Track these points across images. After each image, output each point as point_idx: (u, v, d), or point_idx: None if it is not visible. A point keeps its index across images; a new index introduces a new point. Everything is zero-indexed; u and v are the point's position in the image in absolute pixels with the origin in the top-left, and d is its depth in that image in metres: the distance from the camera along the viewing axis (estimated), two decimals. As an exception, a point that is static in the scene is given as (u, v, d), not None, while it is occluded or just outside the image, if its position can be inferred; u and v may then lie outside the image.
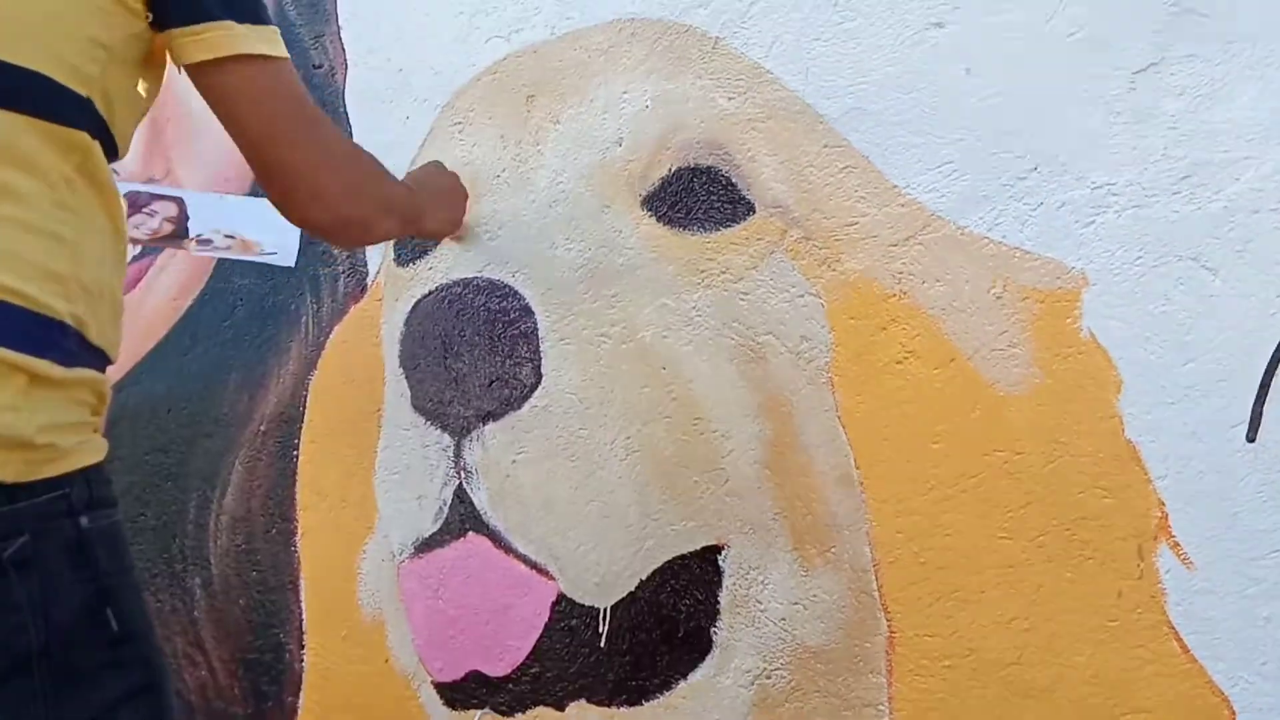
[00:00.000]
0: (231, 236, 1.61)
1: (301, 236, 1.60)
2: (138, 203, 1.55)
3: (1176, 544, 1.07)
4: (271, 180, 1.00)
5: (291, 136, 0.98)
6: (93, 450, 0.90)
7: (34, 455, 0.83)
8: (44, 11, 0.86)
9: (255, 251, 1.62)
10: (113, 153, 0.93)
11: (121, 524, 0.93)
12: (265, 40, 0.96)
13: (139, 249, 1.75)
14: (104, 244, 0.91)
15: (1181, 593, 1.07)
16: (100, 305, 0.90)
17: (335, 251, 1.61)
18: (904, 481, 1.20)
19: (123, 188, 1.38)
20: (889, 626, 1.20)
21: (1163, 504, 1.08)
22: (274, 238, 1.60)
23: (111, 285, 0.92)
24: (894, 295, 1.21)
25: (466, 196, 1.42)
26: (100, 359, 0.91)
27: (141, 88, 0.95)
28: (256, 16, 0.96)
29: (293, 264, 1.62)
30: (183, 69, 0.95)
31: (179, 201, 1.61)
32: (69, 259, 0.86)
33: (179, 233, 1.60)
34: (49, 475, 0.84)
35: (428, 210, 1.26)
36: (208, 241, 1.61)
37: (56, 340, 0.85)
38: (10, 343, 0.82)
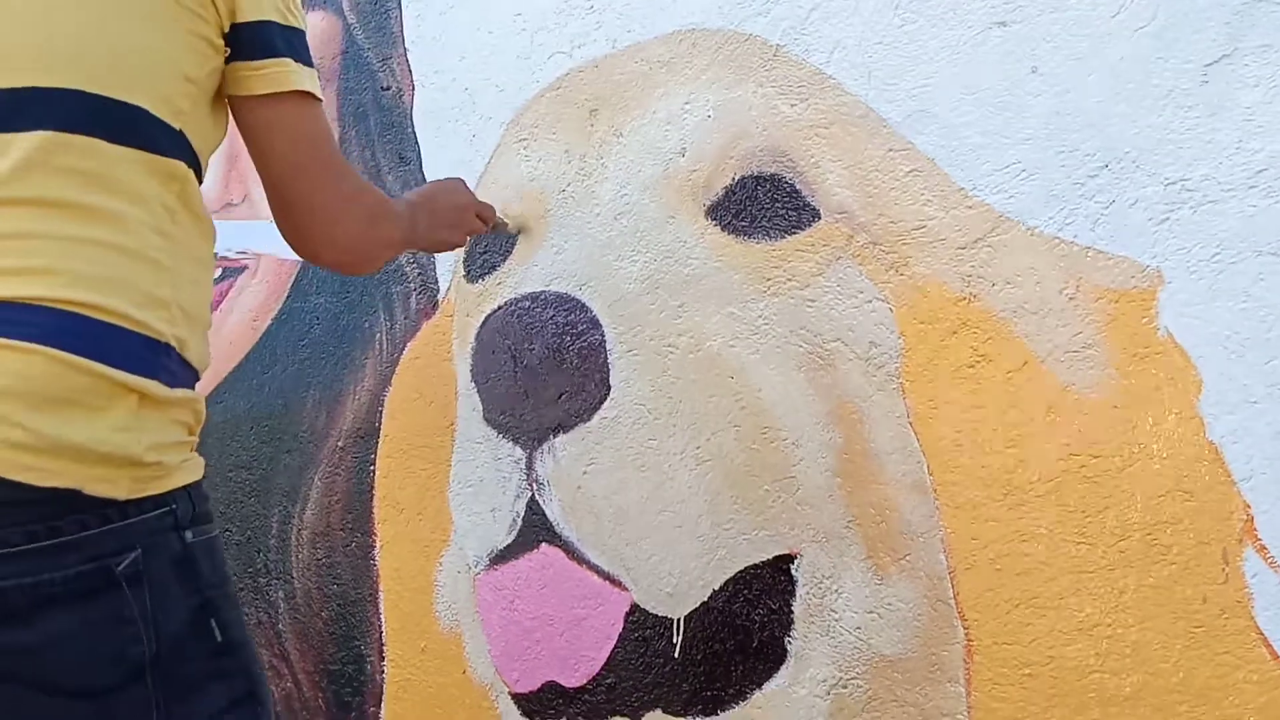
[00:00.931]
0: (244, 253, 1.70)
1: None
2: None
3: (1263, 547, 1.04)
4: (290, 215, 1.04)
5: (319, 177, 1.03)
6: (194, 468, 0.94)
7: (143, 473, 0.87)
8: (145, 49, 0.91)
9: None
10: (201, 179, 0.98)
11: (220, 539, 0.97)
12: (313, 81, 1.02)
13: (219, 271, 1.81)
14: (198, 269, 0.96)
15: (1269, 597, 1.04)
16: (196, 327, 0.94)
17: (407, 270, 1.64)
18: (979, 487, 1.18)
19: None
20: (966, 634, 1.19)
21: (1248, 507, 1.05)
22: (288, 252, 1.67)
23: (204, 307, 0.97)
24: (964, 299, 1.20)
25: (471, 209, 1.37)
26: (195, 378, 0.96)
27: (216, 119, 1.00)
28: (309, 58, 1.02)
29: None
30: (229, 99, 1.00)
31: None
32: (170, 284, 0.91)
33: None
34: (156, 492, 0.88)
35: (422, 234, 1.27)
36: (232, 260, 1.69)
37: (163, 362, 0.90)
38: (124, 364, 0.86)
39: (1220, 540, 1.06)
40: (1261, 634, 1.04)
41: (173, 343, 0.90)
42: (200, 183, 0.98)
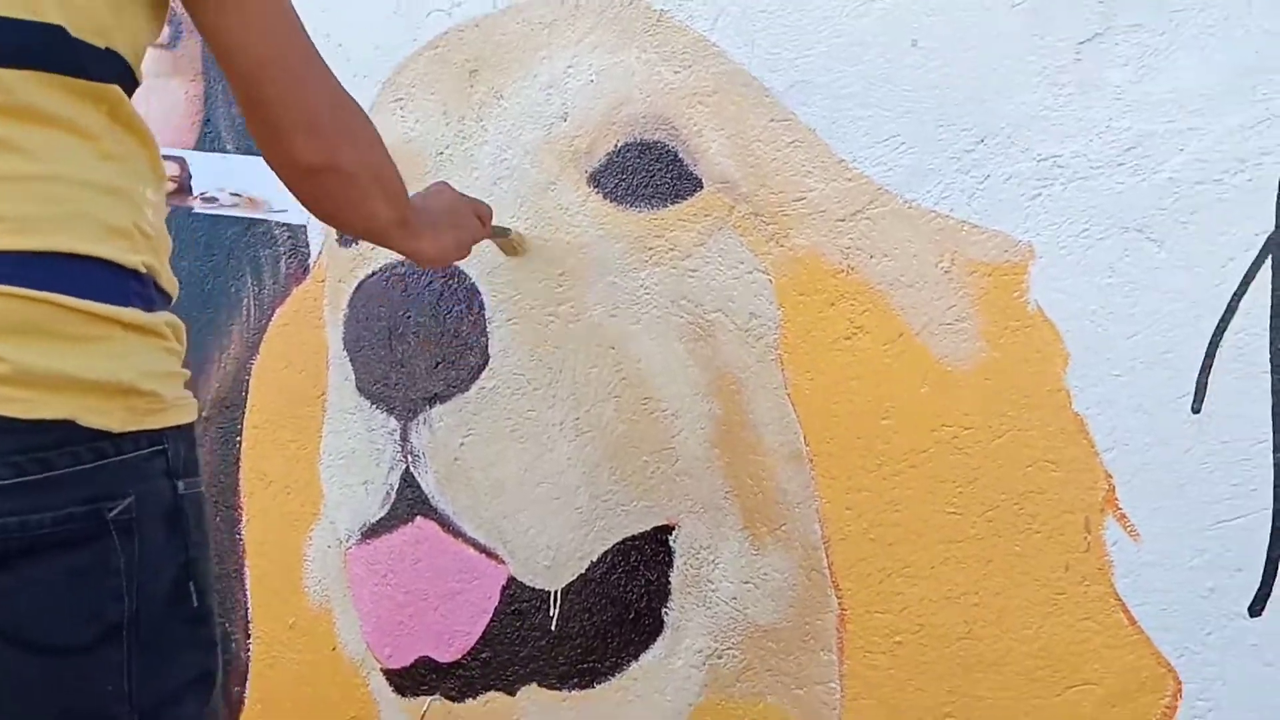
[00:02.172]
0: (238, 195, 1.57)
1: None
2: None
3: (1123, 516, 1.07)
4: (264, 110, 0.92)
5: (292, 65, 0.91)
6: (188, 408, 0.87)
7: (138, 403, 0.81)
8: None
9: (263, 209, 1.57)
10: (134, 89, 0.89)
11: (206, 495, 0.90)
12: None
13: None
14: (151, 188, 0.87)
15: (1128, 565, 1.07)
16: (161, 250, 0.87)
17: (276, 232, 1.58)
18: (853, 458, 1.19)
19: None
20: (840, 603, 1.20)
21: (1110, 477, 1.08)
22: (283, 195, 1.54)
23: (162, 228, 0.89)
24: (842, 270, 1.20)
25: (467, 208, 1.22)
26: (169, 304, 0.89)
27: (151, 13, 0.90)
28: None
29: (305, 221, 1.55)
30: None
31: (181, 161, 1.57)
32: (127, 210, 0.83)
33: (182, 189, 1.56)
34: (150, 428, 0.82)
35: (421, 226, 1.11)
36: (213, 200, 1.57)
37: (134, 288, 0.83)
38: (95, 295, 0.79)
39: (1083, 509, 1.09)
40: (1120, 600, 1.07)
41: (141, 269, 0.83)
42: (136, 86, 0.89)
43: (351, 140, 0.97)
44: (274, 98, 0.92)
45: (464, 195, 1.24)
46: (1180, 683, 1.05)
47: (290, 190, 1.00)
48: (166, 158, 1.44)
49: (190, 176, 1.57)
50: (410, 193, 1.10)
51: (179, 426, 0.85)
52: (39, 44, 0.80)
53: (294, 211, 1.55)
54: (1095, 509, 1.08)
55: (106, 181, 0.83)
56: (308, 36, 0.94)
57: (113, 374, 0.80)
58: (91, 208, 0.81)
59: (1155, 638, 1.06)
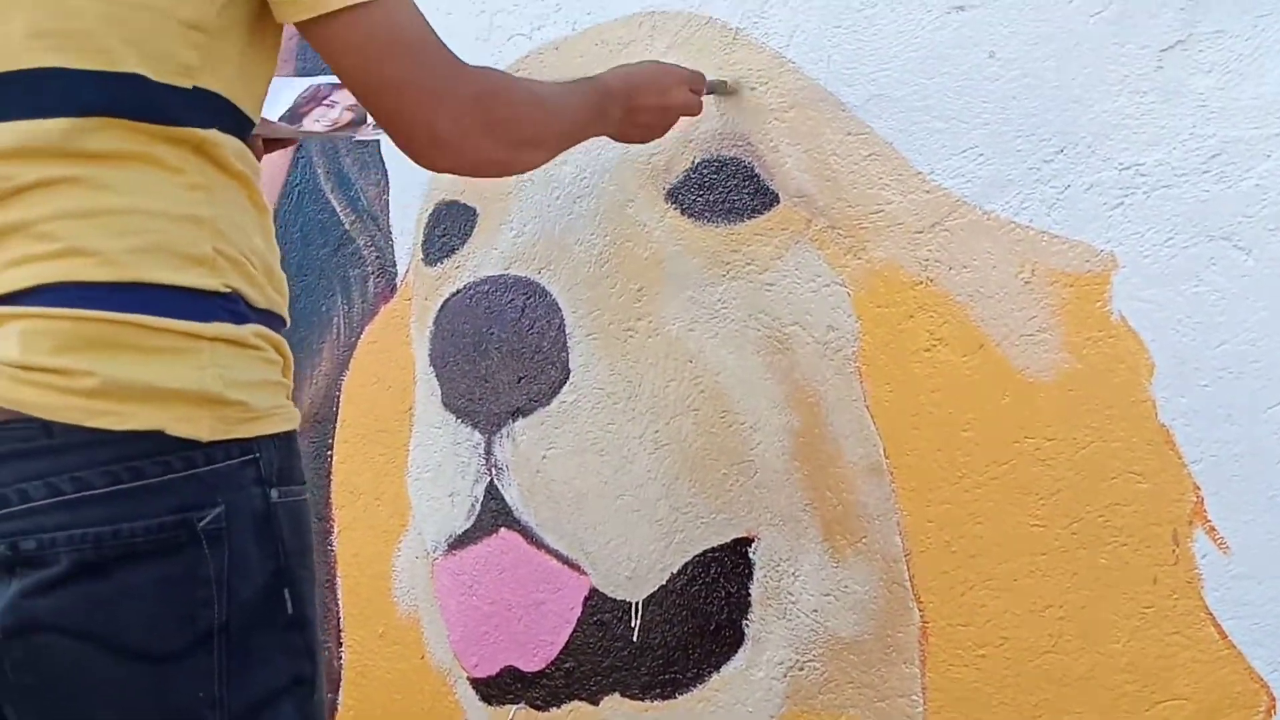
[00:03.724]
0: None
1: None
2: (319, 96, 1.51)
3: (1212, 528, 1.05)
4: (393, 131, 0.93)
5: (397, 81, 0.89)
6: (285, 418, 0.88)
7: (227, 412, 0.82)
8: (130, 4, 0.82)
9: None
10: (243, 123, 0.90)
11: (308, 504, 0.91)
12: None
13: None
14: (245, 217, 0.88)
15: (1218, 578, 1.05)
16: (254, 273, 0.88)
17: (365, 253, 1.63)
18: (934, 470, 1.19)
19: (303, 82, 1.33)
20: (921, 616, 1.20)
21: (1198, 488, 1.06)
22: None
23: (258, 254, 0.89)
24: (921, 282, 1.20)
25: (680, 89, 1.22)
26: (274, 321, 0.90)
27: (255, 54, 0.90)
28: None
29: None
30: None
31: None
32: (210, 239, 0.84)
33: (357, 119, 1.59)
34: (242, 436, 0.83)
35: (611, 125, 1.14)
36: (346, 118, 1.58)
37: (220, 304, 0.84)
38: (177, 315, 0.82)
39: (1171, 521, 1.07)
40: (1210, 614, 1.05)
41: (224, 289, 0.84)
42: (251, 121, 0.90)
43: (477, 136, 0.95)
44: (395, 116, 0.92)
45: (681, 70, 1.23)
46: (1274, 698, 1.03)
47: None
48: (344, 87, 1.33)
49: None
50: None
51: (274, 435, 0.86)
52: (120, 95, 0.82)
53: None
54: (1183, 521, 1.07)
55: (186, 211, 0.84)
56: (417, 42, 0.91)
57: (198, 383, 0.81)
58: (170, 239, 0.83)
59: (1247, 653, 1.04)
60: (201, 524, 0.81)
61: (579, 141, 1.15)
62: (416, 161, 0.97)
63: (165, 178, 0.84)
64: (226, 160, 0.88)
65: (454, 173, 1.06)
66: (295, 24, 0.88)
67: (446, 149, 0.94)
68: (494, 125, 0.97)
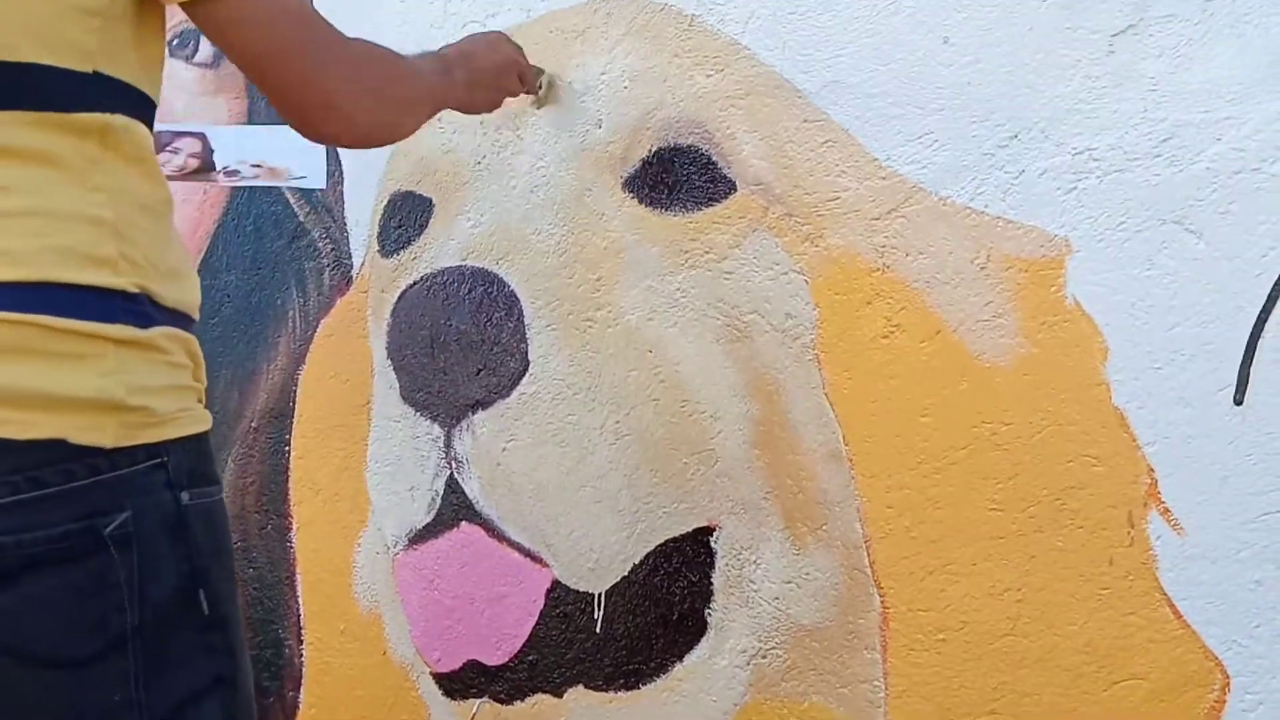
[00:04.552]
0: (259, 165, 1.58)
1: (328, 154, 1.58)
2: (161, 141, 1.52)
3: (1166, 510, 1.07)
4: (284, 100, 0.94)
5: (293, 50, 0.92)
6: (194, 420, 0.87)
7: (130, 418, 0.82)
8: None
9: (284, 177, 1.59)
10: (145, 106, 0.89)
11: (223, 504, 0.90)
12: None
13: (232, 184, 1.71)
14: (147, 216, 0.87)
15: (1173, 559, 1.06)
16: (160, 274, 0.87)
17: (320, 245, 1.61)
18: (893, 456, 1.19)
19: None
20: (882, 602, 1.20)
21: (1152, 470, 1.07)
22: (300, 161, 1.57)
23: (165, 254, 0.88)
24: (878, 269, 1.20)
25: (514, 67, 1.27)
26: (183, 320, 0.89)
27: (146, 34, 0.90)
28: None
29: (324, 185, 1.58)
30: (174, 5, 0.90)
31: (202, 137, 1.59)
32: (113, 239, 0.83)
33: (205, 166, 1.58)
34: (148, 441, 0.83)
35: (458, 93, 1.17)
36: (235, 173, 1.58)
37: (123, 306, 0.83)
38: (81, 315, 0.80)
39: (1126, 504, 1.08)
40: (1165, 595, 1.07)
41: (130, 289, 0.84)
42: (152, 103, 0.90)
43: (371, 102, 0.98)
44: (286, 84, 0.93)
45: (516, 50, 1.27)
46: (1229, 676, 1.04)
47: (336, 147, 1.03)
48: (188, 134, 1.44)
49: (213, 152, 1.59)
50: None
51: (182, 439, 0.85)
52: (19, 85, 0.81)
53: (312, 176, 1.58)
54: (1138, 503, 1.08)
55: (88, 213, 0.83)
56: (304, 16, 0.94)
57: (100, 390, 0.80)
58: (73, 240, 0.82)
59: (1202, 632, 1.05)
60: (108, 530, 0.80)
61: (438, 110, 1.16)
62: (306, 130, 0.97)
63: (66, 179, 0.82)
64: (129, 148, 0.87)
65: (340, 141, 1.07)
66: (180, 4, 0.88)
67: (338, 113, 0.95)
68: (380, 88, 0.99)
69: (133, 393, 0.82)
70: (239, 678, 0.89)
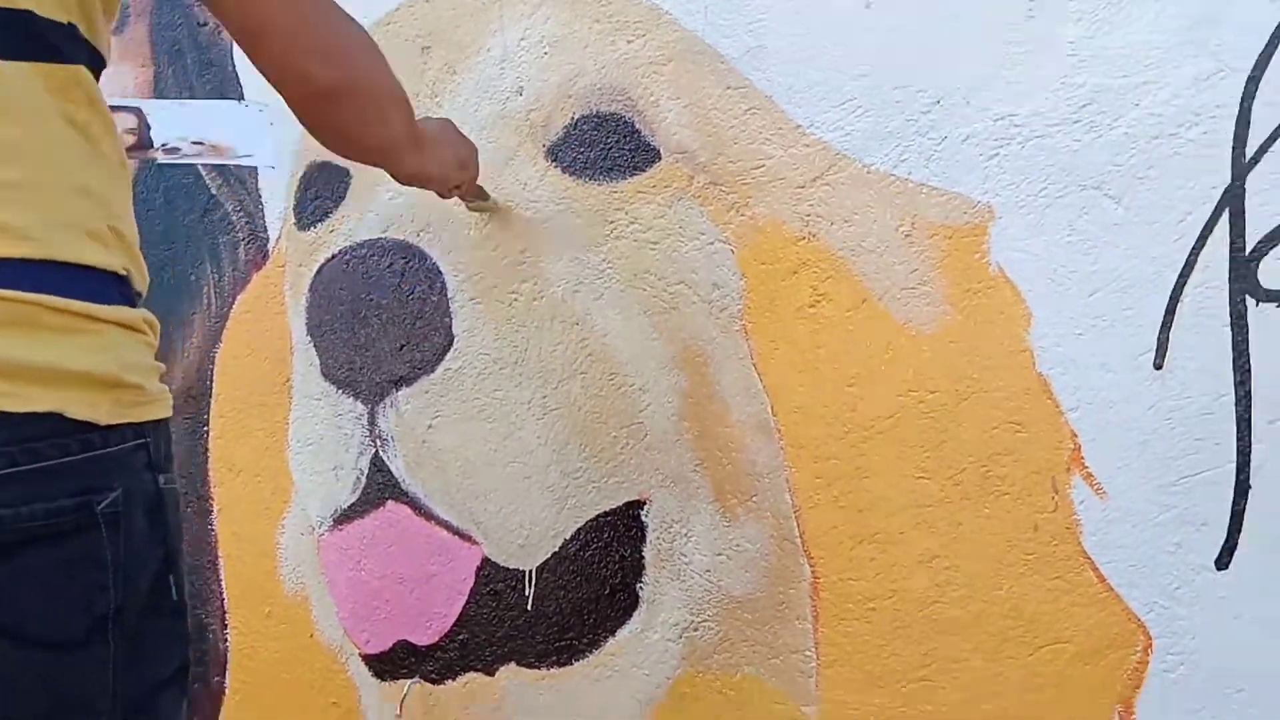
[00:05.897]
0: (200, 143, 1.52)
1: (272, 136, 1.50)
2: None
3: (1090, 475, 1.08)
4: (274, 41, 0.92)
5: (285, 26, 0.92)
6: (166, 402, 0.87)
7: (124, 395, 0.81)
8: None
9: (228, 155, 1.52)
10: (99, 65, 0.87)
11: (179, 491, 0.91)
12: None
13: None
14: (124, 186, 0.87)
15: (1096, 523, 1.07)
16: (134, 251, 0.87)
17: (234, 218, 1.55)
18: (821, 426, 1.19)
19: None
20: (812, 572, 1.20)
21: (1075, 435, 1.08)
22: (246, 140, 1.49)
23: (132, 224, 0.88)
24: (803, 238, 1.19)
25: (471, 165, 1.24)
26: (141, 299, 0.89)
27: None
28: None
29: (274, 165, 1.50)
30: None
31: (138, 112, 1.52)
32: (103, 214, 0.83)
33: (142, 143, 1.51)
34: (135, 420, 0.82)
35: (426, 154, 1.13)
36: (175, 150, 1.52)
37: (118, 288, 0.83)
38: (83, 296, 0.79)
39: (1050, 469, 1.09)
40: (1089, 558, 1.08)
41: (121, 271, 0.83)
42: (104, 66, 0.87)
43: (365, 59, 0.98)
44: (284, 28, 0.92)
45: (471, 163, 1.24)
46: (1151, 638, 1.06)
47: (305, 119, 1.01)
48: (121, 108, 1.37)
49: (149, 128, 1.52)
50: None
51: (158, 421, 0.85)
52: (13, 32, 0.78)
53: (260, 155, 1.51)
54: (1062, 469, 1.08)
55: (84, 183, 0.82)
56: None
57: (99, 365, 0.79)
58: (72, 214, 0.81)
59: (1125, 594, 1.06)
60: (100, 507, 0.79)
61: (404, 126, 1.09)
62: (286, 71, 0.94)
63: (62, 140, 0.80)
64: (101, 108, 0.85)
65: (324, 88, 0.97)
66: None
67: (327, 56, 0.94)
68: (371, 52, 0.98)
69: (125, 369, 0.81)
70: (188, 665, 0.88)
